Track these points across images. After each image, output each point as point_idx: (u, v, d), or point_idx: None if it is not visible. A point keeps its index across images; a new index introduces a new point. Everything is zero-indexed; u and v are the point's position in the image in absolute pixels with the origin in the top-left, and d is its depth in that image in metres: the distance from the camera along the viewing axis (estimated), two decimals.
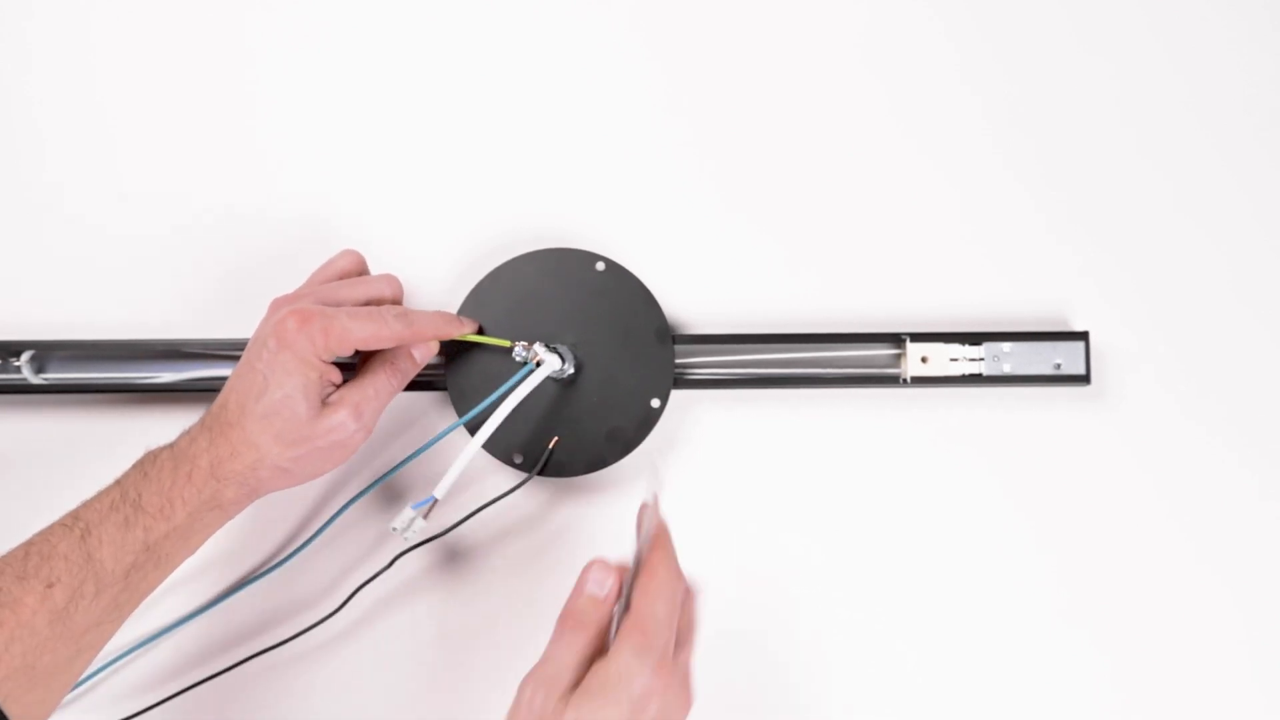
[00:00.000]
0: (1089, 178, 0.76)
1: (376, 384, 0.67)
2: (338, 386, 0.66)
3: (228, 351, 0.73)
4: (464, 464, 0.67)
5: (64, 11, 0.79)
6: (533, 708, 0.53)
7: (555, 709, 0.53)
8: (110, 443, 0.73)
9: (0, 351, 0.73)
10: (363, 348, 0.66)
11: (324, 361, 0.64)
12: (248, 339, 0.66)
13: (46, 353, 0.73)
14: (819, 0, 0.78)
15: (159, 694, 0.72)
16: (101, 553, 0.61)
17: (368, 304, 0.68)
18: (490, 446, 0.71)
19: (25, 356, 0.73)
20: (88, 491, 0.64)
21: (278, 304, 0.66)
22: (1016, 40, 0.77)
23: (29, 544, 0.61)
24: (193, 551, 0.65)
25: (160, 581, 0.64)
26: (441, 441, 0.72)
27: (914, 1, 0.77)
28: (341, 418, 0.65)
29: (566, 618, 0.56)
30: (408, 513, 0.68)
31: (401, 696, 0.73)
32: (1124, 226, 0.76)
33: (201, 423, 0.65)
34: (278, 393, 0.63)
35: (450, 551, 0.74)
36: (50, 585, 0.59)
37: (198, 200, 0.77)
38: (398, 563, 0.71)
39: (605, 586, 0.56)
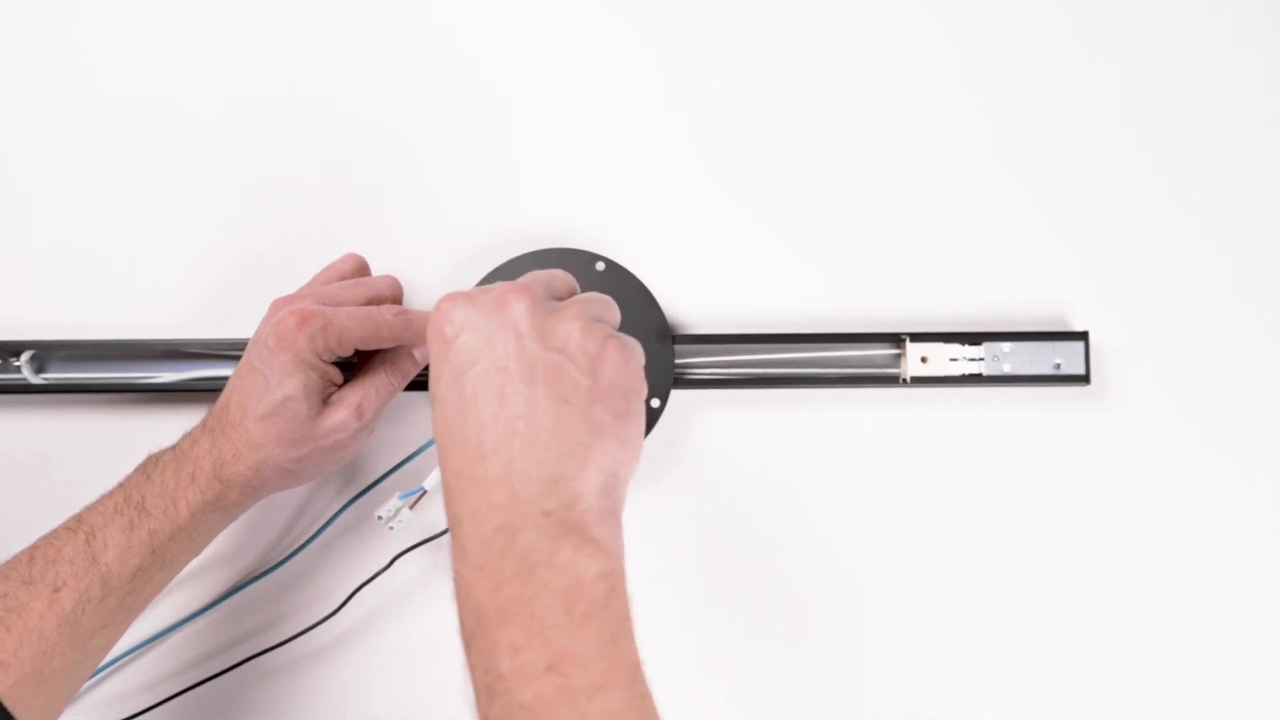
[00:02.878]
0: (1088, 178, 0.76)
1: (378, 383, 0.67)
2: (339, 386, 0.66)
3: (228, 351, 0.73)
4: None
5: (64, 12, 0.79)
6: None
7: None
8: (110, 443, 0.74)
9: (0, 351, 0.73)
10: (362, 347, 0.66)
11: (324, 361, 0.64)
12: (248, 339, 0.66)
13: (46, 353, 0.73)
14: (818, 1, 0.78)
15: (159, 694, 0.72)
16: (107, 556, 0.61)
17: (367, 305, 0.68)
18: None
19: (25, 356, 0.73)
20: (88, 492, 0.64)
21: (278, 304, 0.66)
22: (1015, 41, 0.77)
23: (34, 548, 0.61)
24: (197, 553, 0.66)
25: (166, 584, 0.64)
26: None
27: (912, 2, 0.77)
28: (343, 417, 0.65)
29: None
30: (394, 502, 0.68)
31: (401, 696, 0.73)
32: (1123, 227, 0.76)
33: (203, 424, 0.65)
34: (279, 393, 0.63)
35: (450, 552, 0.74)
36: (57, 590, 0.60)
37: (198, 200, 0.77)
38: (397, 563, 0.71)
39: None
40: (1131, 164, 0.76)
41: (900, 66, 0.77)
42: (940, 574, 0.73)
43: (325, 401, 0.65)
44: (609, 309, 0.57)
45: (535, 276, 0.57)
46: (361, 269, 0.71)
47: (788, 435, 0.75)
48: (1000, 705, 0.73)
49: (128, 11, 0.79)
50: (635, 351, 0.55)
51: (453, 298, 0.54)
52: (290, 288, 0.69)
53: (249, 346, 0.65)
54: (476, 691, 0.48)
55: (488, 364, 0.52)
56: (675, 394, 0.74)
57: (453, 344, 0.53)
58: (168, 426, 0.67)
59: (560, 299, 0.57)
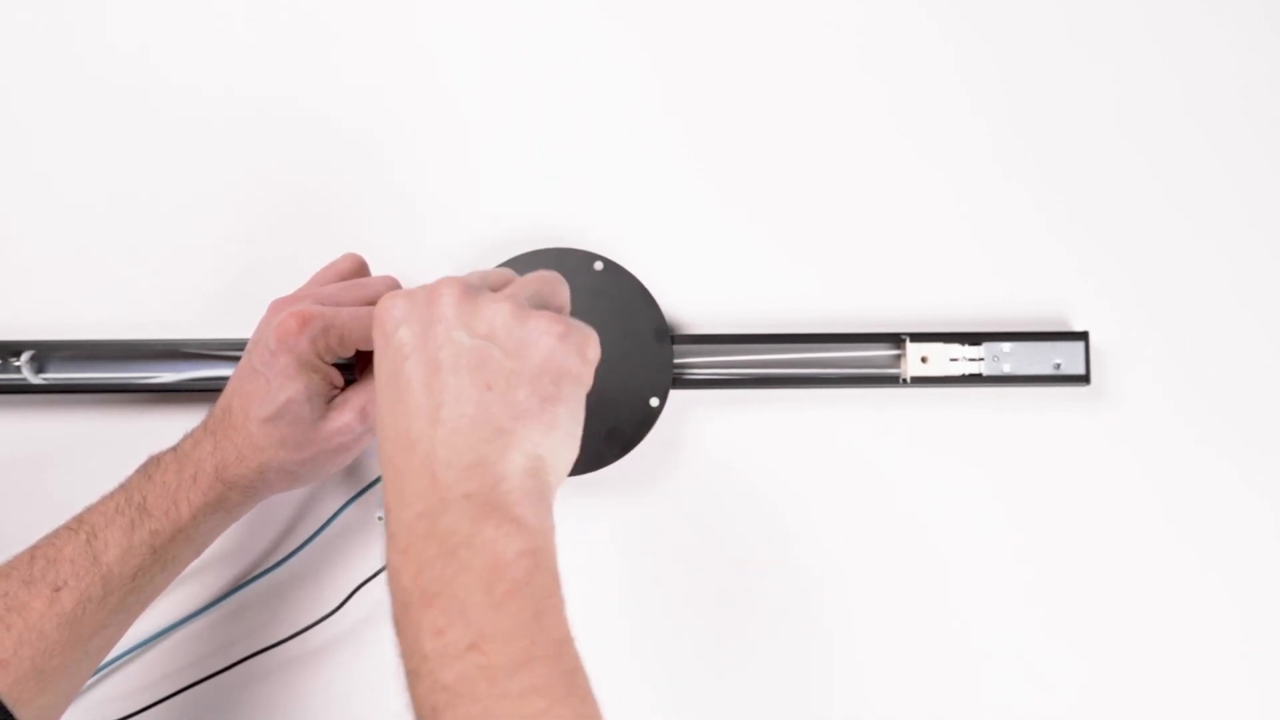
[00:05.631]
0: (1088, 178, 0.76)
1: None
2: (340, 389, 0.66)
3: (228, 352, 0.73)
4: None
5: (71, 9, 0.79)
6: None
7: None
8: (110, 443, 0.74)
9: (0, 351, 0.73)
10: (363, 347, 0.65)
11: (325, 363, 0.64)
12: (247, 339, 0.66)
13: (46, 353, 0.73)
14: (818, 1, 0.78)
15: (158, 693, 0.72)
16: (108, 556, 0.61)
17: (367, 305, 0.67)
18: None
19: (25, 356, 0.73)
20: (89, 492, 0.64)
21: (277, 306, 0.66)
22: (1015, 42, 0.77)
23: (34, 549, 0.62)
24: (199, 554, 0.66)
25: (167, 584, 0.65)
26: None
27: (912, 2, 0.77)
28: (347, 420, 0.64)
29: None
30: None
31: (401, 695, 0.73)
32: (1123, 227, 0.76)
33: (204, 426, 0.65)
34: (281, 396, 0.63)
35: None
36: (57, 589, 0.60)
37: (198, 200, 0.77)
38: None
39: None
40: (1131, 164, 0.76)
41: (900, 66, 0.77)
42: (940, 574, 0.73)
43: (328, 404, 0.65)
44: (552, 288, 0.57)
45: (473, 272, 0.57)
46: (361, 269, 0.71)
47: (788, 435, 0.74)
48: (1001, 705, 0.73)
49: (129, 14, 0.79)
50: (577, 332, 0.54)
51: (393, 295, 0.55)
52: (290, 288, 0.69)
53: (249, 348, 0.65)
54: (405, 675, 0.48)
55: (420, 356, 0.52)
56: (674, 394, 0.73)
57: (391, 339, 0.53)
58: (168, 426, 0.67)
59: (497, 290, 0.57)
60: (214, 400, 0.66)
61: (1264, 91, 0.76)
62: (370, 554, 0.73)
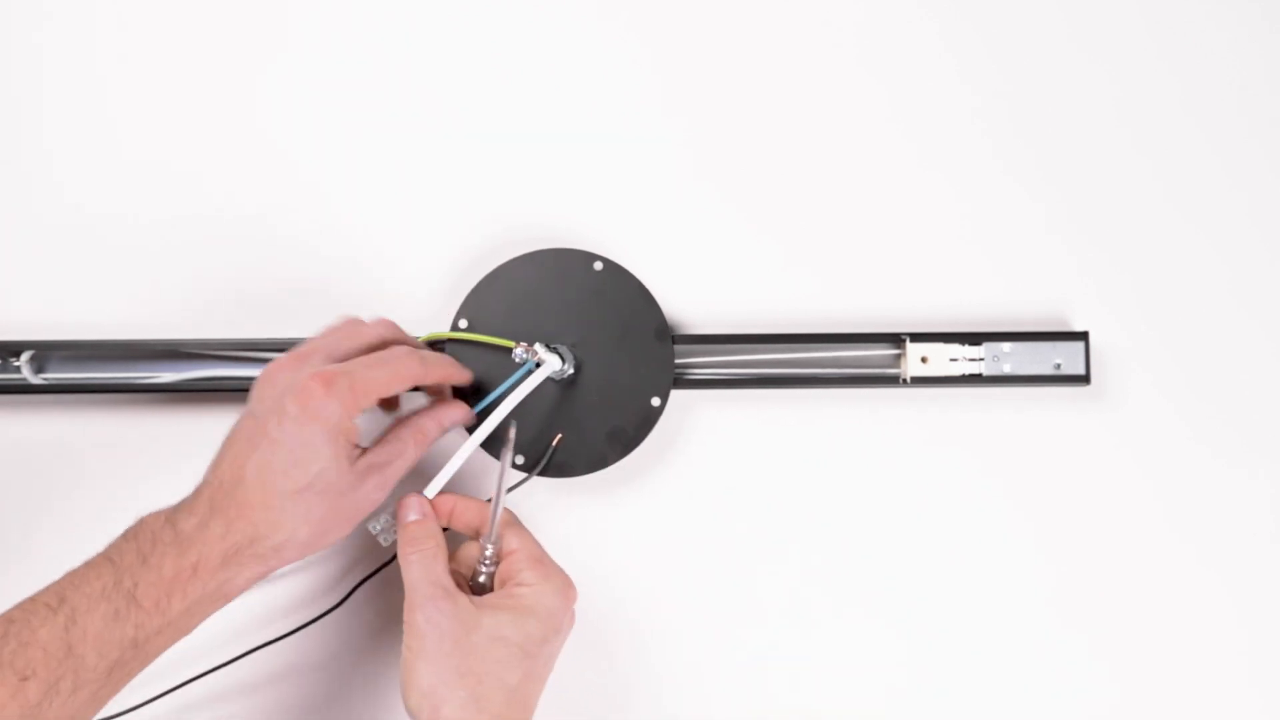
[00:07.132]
0: (1088, 178, 0.76)
1: (406, 456, 0.65)
2: (361, 450, 0.63)
3: (227, 352, 0.73)
4: (459, 464, 0.67)
5: (70, 12, 0.79)
6: (437, 625, 0.60)
7: (465, 614, 0.60)
8: (110, 443, 0.74)
9: (0, 351, 0.73)
10: (385, 394, 0.63)
11: (352, 423, 0.61)
12: (248, 339, 0.66)
13: (46, 353, 0.73)
14: (818, 1, 0.78)
15: (158, 688, 0.72)
16: (84, 647, 0.56)
17: (370, 348, 0.65)
18: (491, 447, 0.71)
19: (25, 356, 0.73)
20: (89, 492, 0.63)
21: (279, 368, 0.62)
22: (1014, 41, 0.77)
23: (9, 621, 0.56)
24: (180, 639, 0.61)
25: (140, 671, 0.60)
26: (441, 442, 0.71)
27: (912, 2, 0.77)
28: (372, 490, 0.62)
29: (403, 545, 0.63)
30: (388, 516, 0.68)
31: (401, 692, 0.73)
32: (1123, 227, 0.76)
33: (209, 504, 0.59)
34: (314, 466, 0.59)
35: (451, 549, 0.74)
36: (25, 679, 0.55)
37: (198, 201, 0.77)
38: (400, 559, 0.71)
39: (420, 509, 0.64)
40: (1131, 164, 0.76)
41: (900, 66, 0.77)
42: (940, 574, 0.73)
43: (351, 467, 0.61)
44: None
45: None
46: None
47: (788, 435, 0.74)
48: (1001, 705, 0.73)
49: (130, 19, 0.79)
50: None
51: (570, 591, 0.64)
52: (288, 288, 0.69)
53: (256, 415, 0.61)
54: None
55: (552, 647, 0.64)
56: (675, 394, 0.73)
57: (562, 632, 0.64)
58: (167, 427, 0.67)
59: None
60: (213, 402, 0.65)
61: (1264, 91, 0.76)
62: (371, 550, 0.73)
